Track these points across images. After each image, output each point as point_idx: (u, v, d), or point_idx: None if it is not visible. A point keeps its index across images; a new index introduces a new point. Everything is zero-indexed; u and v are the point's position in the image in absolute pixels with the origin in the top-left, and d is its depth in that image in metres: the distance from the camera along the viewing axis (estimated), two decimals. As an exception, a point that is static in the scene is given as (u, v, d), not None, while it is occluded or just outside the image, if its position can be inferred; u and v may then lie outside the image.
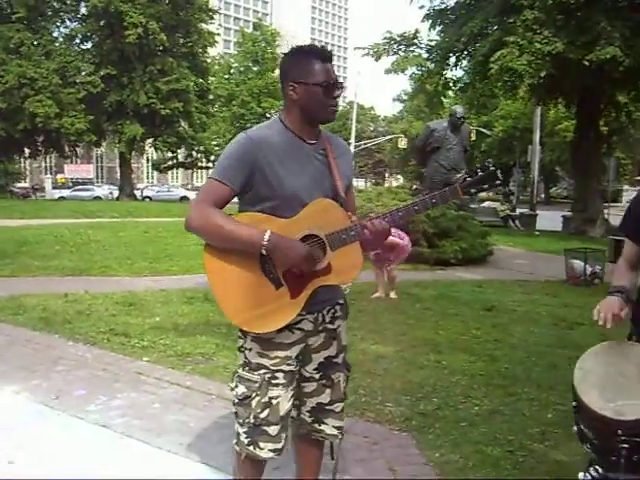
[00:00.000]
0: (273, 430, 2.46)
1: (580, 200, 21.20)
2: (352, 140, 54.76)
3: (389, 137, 64.21)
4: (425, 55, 22.18)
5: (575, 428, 2.46)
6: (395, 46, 22.18)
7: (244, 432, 2.48)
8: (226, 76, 63.56)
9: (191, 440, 3.77)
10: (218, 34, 46.90)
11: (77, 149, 43.66)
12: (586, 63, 16.92)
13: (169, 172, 58.45)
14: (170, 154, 45.69)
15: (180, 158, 48.17)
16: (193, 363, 5.29)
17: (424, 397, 4.64)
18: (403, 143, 53.29)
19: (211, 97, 45.28)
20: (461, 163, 14.94)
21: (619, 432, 2.14)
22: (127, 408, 4.25)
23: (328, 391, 2.60)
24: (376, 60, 22.06)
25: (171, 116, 39.19)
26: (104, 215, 23.02)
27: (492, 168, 2.38)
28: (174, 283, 9.12)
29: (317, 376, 2.59)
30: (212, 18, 42.24)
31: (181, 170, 59.41)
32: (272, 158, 2.34)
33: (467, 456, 3.66)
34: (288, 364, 2.46)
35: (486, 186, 2.40)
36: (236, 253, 2.35)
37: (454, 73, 21.51)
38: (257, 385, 2.44)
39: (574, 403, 2.37)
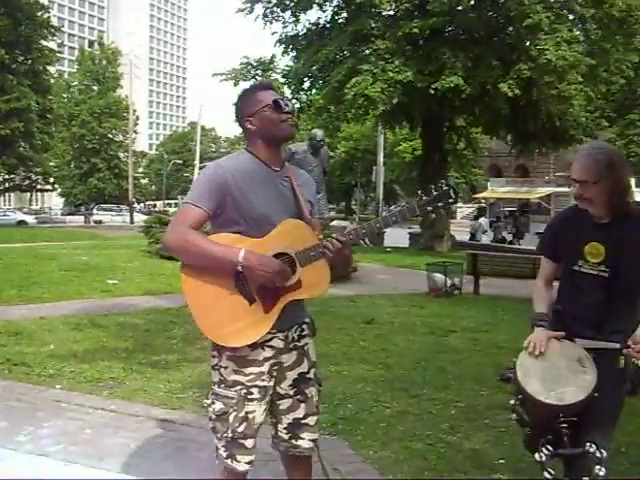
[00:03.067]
0: (249, 443, 2.62)
1: (427, 217, 22.61)
2: (197, 162, 54.53)
3: (234, 158, 64.38)
4: (282, 80, 22.91)
5: (514, 416, 2.90)
6: (252, 71, 22.76)
7: (222, 446, 2.63)
8: (65, 95, 61.36)
9: (136, 460, 3.88)
10: (60, 52, 45.19)
11: None
12: (432, 91, 18.32)
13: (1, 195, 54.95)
14: (7, 176, 43.16)
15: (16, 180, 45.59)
16: (108, 388, 5.32)
17: (340, 404, 5.01)
18: (248, 163, 53.71)
19: (50, 117, 43.31)
20: (321, 184, 15.51)
21: (560, 415, 2.61)
22: (59, 436, 4.24)
23: (303, 406, 2.75)
24: (234, 85, 22.55)
25: (11, 136, 37.14)
26: (-60, 242, 21.44)
27: (445, 188, 2.62)
28: (50, 310, 8.87)
29: (292, 392, 2.74)
30: (54, 35, 40.63)
31: (15, 193, 56.22)
32: (242, 183, 2.56)
33: (397, 451, 4.09)
34: (262, 379, 2.62)
35: (441, 204, 2.65)
36: (211, 272, 2.51)
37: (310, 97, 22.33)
38: (234, 401, 2.59)
39: (519, 396, 2.79)
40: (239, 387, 2.59)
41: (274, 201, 2.62)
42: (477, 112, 22.02)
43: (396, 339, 7.66)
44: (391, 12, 20.75)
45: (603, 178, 2.65)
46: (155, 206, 63.01)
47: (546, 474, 2.61)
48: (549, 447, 2.62)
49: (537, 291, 2.95)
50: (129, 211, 50.15)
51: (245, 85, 23.61)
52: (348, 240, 2.60)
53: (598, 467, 2.52)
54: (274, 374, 2.68)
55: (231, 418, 2.60)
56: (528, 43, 18.92)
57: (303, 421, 2.76)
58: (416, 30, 18.84)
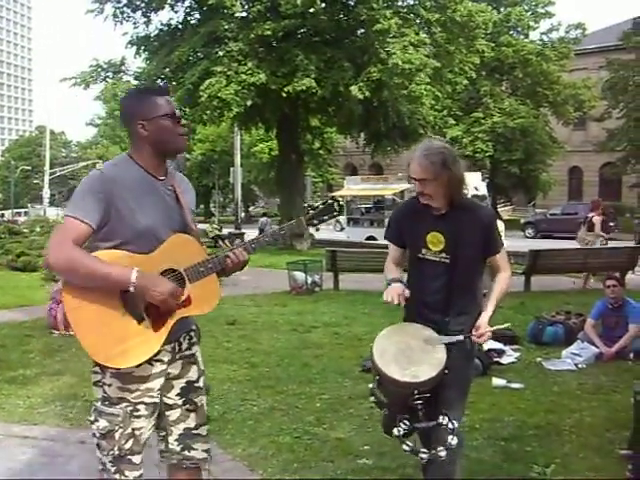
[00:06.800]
0: (137, 459, 2.54)
1: (287, 217, 22.94)
2: (47, 168, 52.07)
3: (85, 163, 61.98)
4: (134, 82, 22.35)
5: (372, 399, 3.08)
6: (103, 73, 22.07)
7: (110, 462, 2.52)
8: None
9: (-2, 479, 3.77)
10: None
11: None
12: (284, 94, 18.64)
13: None
14: None
15: None
16: (-41, 409, 5.08)
17: (207, 405, 5.04)
18: (102, 169, 51.87)
19: None
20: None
21: (415, 392, 2.80)
22: None
23: (193, 415, 2.68)
24: (85, 89, 21.74)
25: None
26: None
27: (330, 202, 2.78)
28: None
29: (180, 402, 2.66)
30: None
31: None
32: (126, 194, 2.44)
33: (265, 447, 4.22)
34: (150, 396, 2.53)
35: (326, 217, 2.76)
36: (96, 291, 2.39)
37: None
38: (120, 419, 2.48)
39: (377, 377, 2.96)
40: (125, 404, 2.50)
41: (160, 214, 2.53)
42: (331, 112, 22.58)
43: (260, 338, 7.80)
44: (244, 14, 20.83)
45: (440, 175, 2.91)
46: (3, 215, 59.38)
47: (404, 447, 2.82)
48: (406, 422, 2.82)
49: (388, 268, 3.18)
50: (-27, 221, 47.04)
51: (97, 88, 22.89)
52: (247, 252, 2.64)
53: (451, 437, 2.76)
54: (162, 387, 2.60)
55: (117, 435, 2.49)
56: (377, 46, 19.61)
57: (195, 431, 2.70)
58: (269, 32, 19.04)
